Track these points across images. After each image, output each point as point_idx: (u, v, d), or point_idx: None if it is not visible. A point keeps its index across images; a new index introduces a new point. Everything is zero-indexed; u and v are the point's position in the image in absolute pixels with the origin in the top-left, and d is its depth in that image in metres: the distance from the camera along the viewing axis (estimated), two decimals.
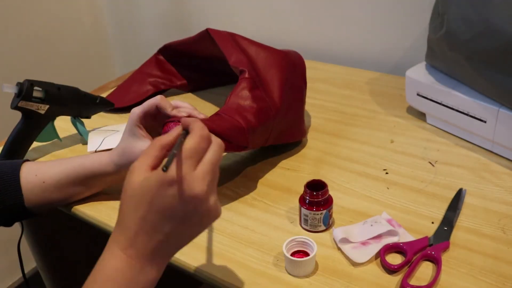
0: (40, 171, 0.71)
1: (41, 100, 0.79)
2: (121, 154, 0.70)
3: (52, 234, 1.03)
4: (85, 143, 0.91)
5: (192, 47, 1.01)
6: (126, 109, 1.03)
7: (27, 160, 0.74)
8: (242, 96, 0.77)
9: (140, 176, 0.47)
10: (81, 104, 0.86)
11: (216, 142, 0.50)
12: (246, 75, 0.79)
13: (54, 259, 1.07)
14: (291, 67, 0.85)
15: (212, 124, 0.69)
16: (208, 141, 0.49)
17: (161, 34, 1.58)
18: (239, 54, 0.85)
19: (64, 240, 1.06)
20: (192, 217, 0.48)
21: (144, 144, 0.68)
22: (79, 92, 0.86)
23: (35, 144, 0.88)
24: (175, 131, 0.50)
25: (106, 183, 0.74)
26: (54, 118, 0.85)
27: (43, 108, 0.80)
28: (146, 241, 0.48)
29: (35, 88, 0.79)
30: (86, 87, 1.21)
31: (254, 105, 0.76)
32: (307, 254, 0.62)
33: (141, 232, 0.48)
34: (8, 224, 0.73)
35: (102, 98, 0.89)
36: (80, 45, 1.60)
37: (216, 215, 0.49)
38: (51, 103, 0.81)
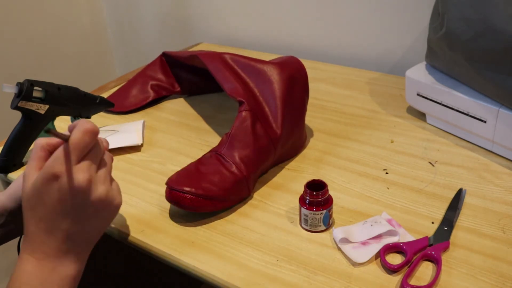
0: None
1: (41, 100, 0.79)
2: (10, 195, 0.64)
3: None
4: None
5: (190, 61, 1.01)
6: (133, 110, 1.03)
7: None
8: (242, 133, 0.75)
9: (30, 180, 0.49)
10: (81, 104, 0.86)
11: (100, 139, 0.52)
12: (246, 107, 0.77)
13: None
14: (291, 81, 0.81)
15: (215, 188, 0.69)
16: (93, 135, 0.49)
17: (161, 34, 1.58)
18: (234, 82, 0.82)
19: None
20: (85, 209, 0.49)
21: None
22: (79, 92, 0.86)
23: None
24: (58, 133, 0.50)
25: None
26: (54, 118, 0.85)
27: (43, 108, 0.80)
28: (49, 241, 0.49)
29: (35, 88, 0.78)
30: (86, 87, 1.21)
31: (255, 146, 0.74)
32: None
33: (42, 234, 0.49)
34: None
35: (102, 98, 0.89)
36: (80, 45, 1.61)
37: (114, 205, 0.50)
38: (51, 103, 0.81)
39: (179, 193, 0.68)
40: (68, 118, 0.89)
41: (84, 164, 0.48)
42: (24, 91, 0.77)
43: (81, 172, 0.47)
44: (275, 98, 0.79)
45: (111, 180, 0.52)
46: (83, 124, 0.48)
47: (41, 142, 0.51)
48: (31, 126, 0.82)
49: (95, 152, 0.50)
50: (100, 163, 0.51)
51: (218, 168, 0.72)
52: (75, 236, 0.50)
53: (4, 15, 1.36)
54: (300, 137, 0.84)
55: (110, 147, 0.89)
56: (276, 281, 0.60)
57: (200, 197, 0.68)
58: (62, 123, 0.91)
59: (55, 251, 0.49)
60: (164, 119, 1.00)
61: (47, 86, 0.80)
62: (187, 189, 0.68)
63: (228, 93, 0.81)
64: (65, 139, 0.47)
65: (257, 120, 0.77)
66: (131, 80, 1.09)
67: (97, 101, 0.88)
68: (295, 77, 0.83)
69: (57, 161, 0.47)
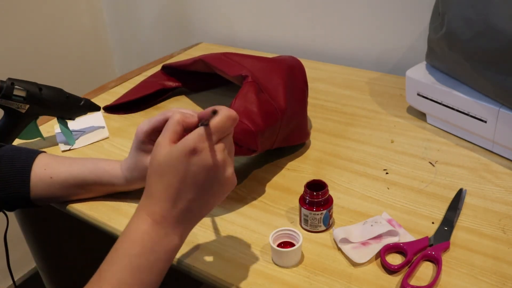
0: (49, 166, 0.72)
1: (23, 99, 0.80)
2: (131, 170, 0.69)
3: (52, 234, 1.03)
4: (66, 143, 0.92)
5: (191, 67, 1.03)
6: (132, 110, 1.03)
7: (43, 152, 0.75)
8: (248, 99, 0.76)
9: (164, 149, 0.52)
10: (63, 106, 0.86)
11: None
12: (250, 79, 0.79)
13: (54, 259, 1.07)
14: (290, 71, 0.85)
15: None
16: (234, 122, 0.53)
17: (161, 34, 1.58)
18: (238, 66, 0.85)
19: (64, 240, 1.06)
20: (212, 185, 0.52)
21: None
22: (62, 93, 0.86)
23: (18, 141, 0.89)
24: (194, 113, 0.57)
25: (111, 191, 0.74)
26: (37, 118, 0.86)
27: (23, 107, 0.81)
28: (171, 207, 0.52)
29: (16, 87, 0.80)
30: (86, 87, 1.22)
31: (261, 108, 0.75)
32: (293, 245, 0.62)
33: (166, 199, 0.52)
34: (10, 209, 0.73)
35: (87, 100, 0.89)
36: (80, 45, 1.60)
37: (233, 184, 0.55)
38: (31, 103, 0.82)
39: None
40: (55, 118, 0.89)
41: (221, 146, 0.52)
42: (4, 89, 0.78)
43: (219, 152, 0.52)
44: (276, 78, 0.81)
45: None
46: (226, 110, 0.53)
47: (177, 116, 0.54)
48: (12, 124, 0.83)
49: (229, 137, 0.54)
50: (230, 147, 0.56)
51: None
52: (195, 208, 0.53)
53: (4, 15, 1.36)
54: (305, 122, 0.85)
55: (82, 145, 0.91)
56: (276, 281, 0.60)
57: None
58: (49, 128, 0.91)
59: (174, 219, 0.52)
60: None
61: (28, 86, 0.81)
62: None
63: (231, 75, 0.83)
64: (205, 124, 0.51)
65: (261, 91, 0.78)
66: (135, 86, 1.09)
67: (81, 103, 0.88)
68: (294, 68, 0.86)
69: (199, 138, 0.50)
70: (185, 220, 0.53)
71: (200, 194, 0.52)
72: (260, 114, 0.74)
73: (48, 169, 0.71)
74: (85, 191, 0.73)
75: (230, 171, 0.53)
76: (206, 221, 0.70)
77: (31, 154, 0.73)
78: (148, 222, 0.52)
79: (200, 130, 0.51)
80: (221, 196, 0.55)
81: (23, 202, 0.72)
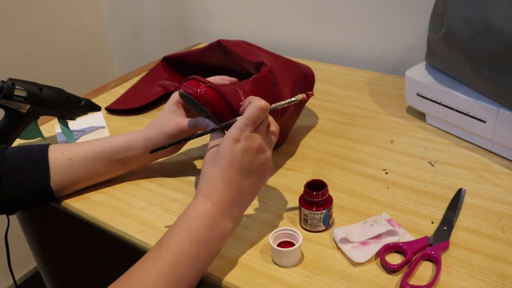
0: (66, 149, 0.74)
1: (23, 99, 0.80)
2: (154, 127, 0.74)
3: (52, 234, 1.03)
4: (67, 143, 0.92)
5: (197, 58, 1.02)
6: (137, 112, 1.03)
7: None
8: (263, 89, 0.75)
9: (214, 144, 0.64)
10: (63, 106, 0.86)
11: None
12: (268, 68, 0.78)
13: (54, 259, 1.07)
14: (302, 77, 0.87)
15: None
16: (265, 111, 0.62)
17: (161, 34, 1.58)
18: (257, 54, 0.86)
19: (64, 240, 1.06)
20: (256, 167, 0.61)
21: (180, 119, 0.74)
22: (62, 93, 0.86)
23: (19, 141, 0.89)
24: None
25: (131, 162, 0.76)
26: (37, 118, 0.86)
27: (24, 108, 0.81)
28: (225, 190, 0.60)
29: (17, 87, 0.80)
30: (86, 87, 1.22)
31: (270, 101, 0.76)
32: (293, 245, 0.63)
33: (220, 183, 0.60)
34: (28, 207, 0.73)
35: (87, 100, 0.89)
36: (80, 45, 1.61)
37: (271, 166, 0.64)
38: (32, 103, 0.82)
39: (201, 83, 0.67)
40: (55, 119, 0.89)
41: (257, 133, 0.61)
42: (5, 89, 0.79)
43: (256, 139, 0.61)
44: (288, 78, 0.83)
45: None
46: (257, 101, 0.62)
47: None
48: (13, 124, 0.83)
49: (264, 122, 0.63)
50: (268, 131, 0.65)
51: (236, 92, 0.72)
52: (245, 190, 0.61)
53: (4, 15, 1.36)
54: (290, 126, 0.87)
55: None
56: (276, 281, 0.60)
57: (219, 94, 0.67)
58: (49, 128, 0.91)
59: (228, 200, 0.60)
60: None
61: (29, 86, 0.81)
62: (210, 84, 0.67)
63: (250, 59, 0.84)
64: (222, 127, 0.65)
65: (276, 83, 0.78)
66: (135, 84, 1.09)
67: (82, 104, 0.88)
68: (307, 75, 0.89)
69: (238, 130, 0.60)
70: (238, 202, 0.61)
71: (247, 176, 0.61)
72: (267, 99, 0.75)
73: (66, 152, 0.73)
74: (106, 167, 0.75)
75: (269, 153, 0.63)
76: None
77: (43, 146, 0.74)
78: (207, 203, 0.59)
79: (238, 122, 0.61)
80: (264, 177, 0.63)
81: (43, 193, 0.72)
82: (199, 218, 0.58)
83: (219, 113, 0.66)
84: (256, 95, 0.74)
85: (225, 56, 0.93)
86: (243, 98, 0.69)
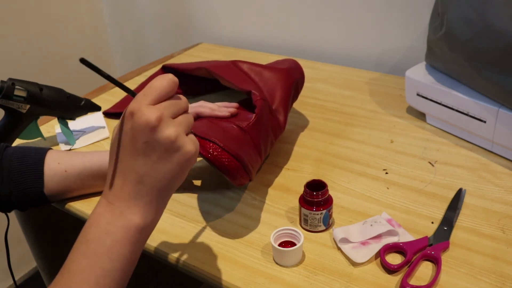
0: (63, 160, 0.73)
1: (23, 99, 0.80)
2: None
3: (52, 234, 1.03)
4: (67, 143, 0.92)
5: (194, 72, 1.02)
6: None
7: (51, 149, 0.75)
8: (263, 119, 0.76)
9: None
10: (63, 106, 0.86)
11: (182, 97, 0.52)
12: (258, 97, 0.78)
13: (54, 259, 1.07)
14: (295, 86, 0.87)
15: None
16: (171, 82, 0.49)
17: (161, 35, 1.58)
18: (246, 79, 0.85)
19: (64, 240, 1.06)
20: (154, 149, 0.48)
21: None
22: (62, 93, 0.86)
23: (19, 141, 0.89)
24: None
25: None
26: (37, 118, 0.86)
27: (24, 108, 0.81)
28: (122, 183, 0.49)
29: (17, 87, 0.80)
30: (86, 87, 1.21)
31: (275, 132, 0.77)
32: (294, 245, 0.63)
33: (117, 176, 0.49)
34: (23, 208, 0.73)
35: (87, 100, 0.89)
36: (81, 45, 1.61)
37: (184, 151, 0.48)
38: (32, 103, 0.82)
39: (203, 140, 0.67)
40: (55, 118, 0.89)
41: (158, 105, 0.48)
42: (5, 89, 0.79)
43: (153, 110, 0.47)
44: (281, 94, 0.83)
45: (188, 132, 0.51)
46: (167, 74, 0.50)
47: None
48: (13, 124, 0.83)
49: (174, 102, 0.50)
50: (179, 114, 0.50)
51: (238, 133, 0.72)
52: (146, 179, 0.49)
53: (4, 15, 1.36)
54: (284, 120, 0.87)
55: (82, 145, 0.91)
56: (276, 281, 0.60)
57: (224, 149, 0.67)
58: (49, 128, 0.91)
59: (126, 194, 0.49)
60: None
61: (29, 86, 0.81)
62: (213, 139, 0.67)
63: (240, 87, 0.83)
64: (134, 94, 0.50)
65: (270, 111, 0.78)
66: (138, 88, 1.08)
67: (81, 104, 0.88)
68: (298, 82, 0.89)
69: (134, 101, 0.48)
70: (141, 195, 0.49)
71: (145, 162, 0.48)
72: (270, 143, 0.76)
73: (62, 163, 0.72)
74: (101, 182, 0.73)
75: (171, 131, 0.47)
76: (206, 220, 0.70)
77: (41, 151, 0.73)
78: (102, 204, 0.50)
79: (139, 94, 0.49)
80: (174, 164, 0.49)
81: (36, 197, 0.72)
82: (92, 226, 0.50)
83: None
84: (259, 130, 0.74)
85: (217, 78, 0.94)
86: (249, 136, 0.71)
